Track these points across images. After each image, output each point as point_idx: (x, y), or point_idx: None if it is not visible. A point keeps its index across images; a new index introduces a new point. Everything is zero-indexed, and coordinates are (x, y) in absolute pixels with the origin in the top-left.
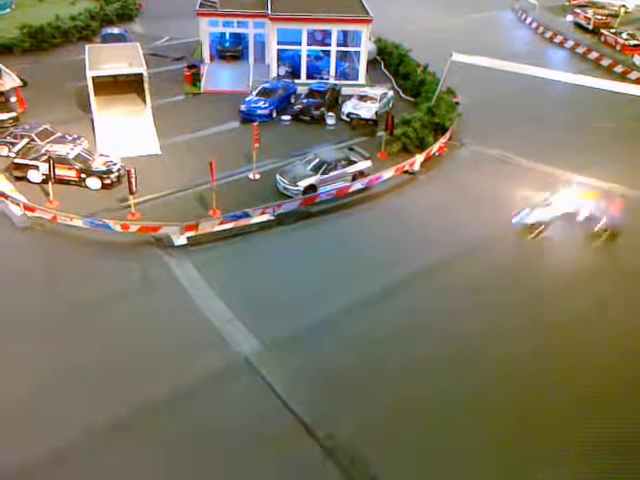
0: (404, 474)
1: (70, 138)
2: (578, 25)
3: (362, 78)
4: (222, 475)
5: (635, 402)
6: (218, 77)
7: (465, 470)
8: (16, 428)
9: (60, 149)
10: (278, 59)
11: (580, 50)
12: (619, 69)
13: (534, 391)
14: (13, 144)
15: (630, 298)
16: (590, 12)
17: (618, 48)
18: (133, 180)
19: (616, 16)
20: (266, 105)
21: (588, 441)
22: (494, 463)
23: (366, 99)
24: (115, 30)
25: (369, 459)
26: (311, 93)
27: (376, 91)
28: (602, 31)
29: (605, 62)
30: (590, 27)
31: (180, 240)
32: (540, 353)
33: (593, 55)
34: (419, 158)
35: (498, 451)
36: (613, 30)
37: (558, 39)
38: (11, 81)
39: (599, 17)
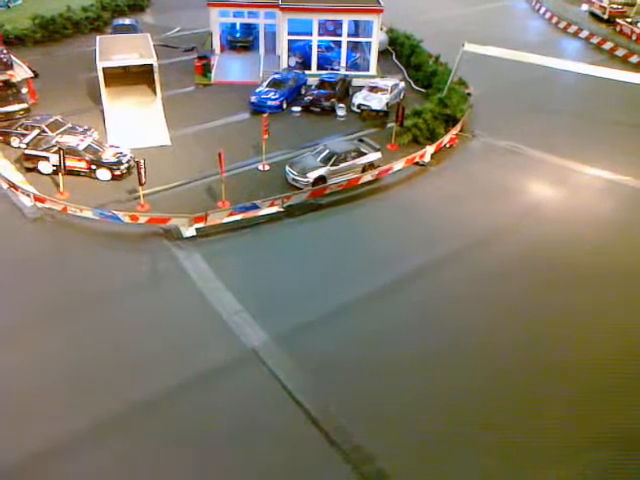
0: (409, 466)
1: (80, 129)
2: (593, 15)
3: (373, 69)
4: (230, 460)
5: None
6: (228, 68)
7: (466, 463)
8: (21, 418)
9: (70, 140)
10: (289, 50)
11: (595, 40)
12: (634, 59)
13: (544, 382)
14: (24, 135)
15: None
16: (605, 1)
17: (634, 38)
18: (142, 171)
19: (632, 5)
20: (276, 96)
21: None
22: (498, 457)
23: (377, 90)
24: (126, 21)
25: (376, 452)
26: (322, 84)
27: (387, 82)
28: (618, 21)
29: (620, 52)
30: (605, 17)
31: (189, 232)
32: (552, 344)
33: (608, 45)
34: (429, 150)
35: (503, 445)
36: (629, 19)
37: (572, 29)
38: (22, 72)
39: (615, 6)
